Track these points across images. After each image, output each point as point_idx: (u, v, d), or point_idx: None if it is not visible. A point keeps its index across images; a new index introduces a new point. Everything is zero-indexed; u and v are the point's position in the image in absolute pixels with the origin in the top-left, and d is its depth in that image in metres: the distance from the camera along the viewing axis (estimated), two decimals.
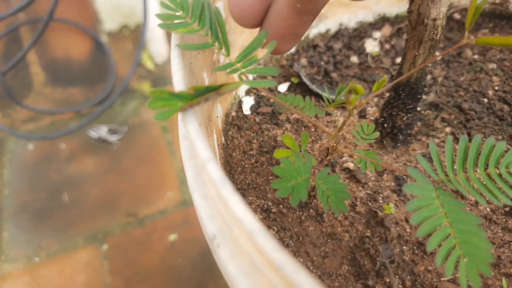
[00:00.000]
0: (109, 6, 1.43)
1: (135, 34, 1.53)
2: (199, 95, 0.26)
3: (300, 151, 0.35)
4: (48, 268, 1.01)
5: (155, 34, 1.40)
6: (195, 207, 0.29)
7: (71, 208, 1.12)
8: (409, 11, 0.37)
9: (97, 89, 1.41)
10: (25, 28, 1.38)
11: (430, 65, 0.39)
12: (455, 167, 0.29)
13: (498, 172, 0.29)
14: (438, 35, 0.36)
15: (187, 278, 0.98)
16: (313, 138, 0.45)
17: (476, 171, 0.29)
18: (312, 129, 0.46)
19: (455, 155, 0.34)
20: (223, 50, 0.30)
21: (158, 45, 1.44)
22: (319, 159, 0.37)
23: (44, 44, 1.41)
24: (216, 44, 0.30)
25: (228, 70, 0.30)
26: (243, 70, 0.29)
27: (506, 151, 0.29)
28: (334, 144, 0.33)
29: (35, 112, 1.33)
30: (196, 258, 1.02)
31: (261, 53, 0.29)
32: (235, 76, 0.46)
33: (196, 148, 0.23)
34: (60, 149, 1.25)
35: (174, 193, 1.15)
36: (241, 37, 0.45)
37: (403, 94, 0.40)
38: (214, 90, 0.27)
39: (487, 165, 0.29)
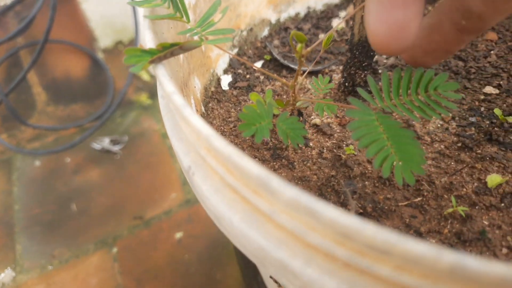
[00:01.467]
0: (103, 23, 1.50)
1: None
2: (165, 49, 0.31)
3: (265, 102, 0.40)
4: (61, 275, 1.06)
5: (147, 47, 1.47)
6: (174, 150, 0.34)
7: (80, 217, 1.17)
8: None
9: (97, 104, 1.47)
10: (24, 52, 1.46)
11: None
12: (391, 95, 0.34)
13: (427, 94, 0.33)
14: None
15: (195, 272, 1.02)
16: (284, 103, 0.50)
17: (410, 95, 0.34)
18: (284, 96, 0.51)
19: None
20: (184, 18, 0.35)
21: None
22: (282, 110, 0.42)
23: (43, 65, 1.48)
24: (177, 14, 0.35)
25: (189, 34, 0.35)
26: (203, 33, 0.35)
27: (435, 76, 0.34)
28: (293, 94, 0.38)
29: (40, 130, 1.39)
30: (202, 252, 1.06)
31: (217, 17, 0.34)
32: (212, 56, 0.52)
33: (163, 85, 0.28)
34: (65, 163, 1.31)
35: (177, 193, 1.20)
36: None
37: (357, 53, 0.45)
38: (177, 45, 0.32)
39: (418, 90, 0.34)
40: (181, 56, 0.42)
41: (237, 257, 1.01)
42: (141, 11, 1.40)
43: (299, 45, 0.36)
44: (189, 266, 1.03)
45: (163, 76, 0.28)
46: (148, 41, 0.32)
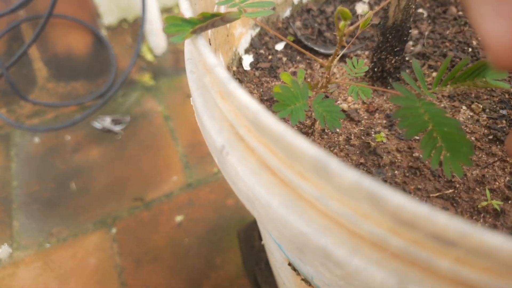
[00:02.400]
0: (108, 0, 1.47)
1: (134, 27, 1.57)
2: (206, 19, 0.30)
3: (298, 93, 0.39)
4: (59, 253, 1.04)
5: (154, 27, 1.44)
6: (202, 129, 0.33)
7: (79, 196, 1.15)
8: None
9: (99, 82, 1.44)
10: (25, 25, 1.42)
11: (413, 6, 0.42)
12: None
13: (475, 82, 0.32)
14: None
15: (195, 255, 1.02)
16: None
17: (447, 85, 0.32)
18: (308, 79, 0.50)
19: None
20: None
21: (157, 37, 1.48)
22: (315, 91, 0.41)
23: (45, 40, 1.44)
24: None
25: (229, 5, 0.33)
26: (242, 5, 0.33)
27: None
28: (328, 76, 0.36)
29: (40, 106, 1.36)
30: (203, 236, 1.05)
31: None
32: (235, 34, 0.50)
33: (205, 58, 0.26)
34: (65, 141, 1.29)
35: (179, 176, 1.18)
36: None
37: (390, 37, 0.43)
38: (219, 16, 0.30)
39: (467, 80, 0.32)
40: (209, 31, 0.41)
41: (239, 242, 1.00)
42: None
43: (342, 23, 0.34)
44: (189, 249, 1.03)
45: (204, 47, 0.26)
46: (184, 10, 0.30)
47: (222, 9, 0.43)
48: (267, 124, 0.23)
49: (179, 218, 1.09)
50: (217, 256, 1.01)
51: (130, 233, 1.07)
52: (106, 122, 1.31)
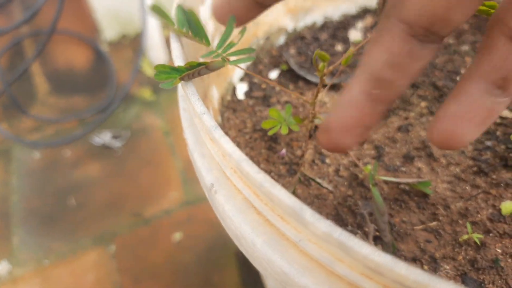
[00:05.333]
0: (109, 16, 1.49)
1: (134, 43, 1.59)
2: (193, 68, 0.31)
3: (284, 120, 0.40)
4: (58, 269, 1.05)
5: (154, 42, 1.46)
6: (194, 165, 0.34)
7: (78, 212, 1.16)
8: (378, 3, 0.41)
9: (99, 97, 1.46)
10: (28, 41, 1.44)
11: None
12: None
13: None
14: None
15: (193, 273, 1.02)
16: (301, 116, 0.50)
17: None
18: (300, 109, 0.51)
19: None
20: (204, 42, 0.35)
21: (157, 52, 1.50)
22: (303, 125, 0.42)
23: (46, 55, 1.47)
24: (197, 38, 0.35)
25: (211, 56, 0.35)
26: (224, 55, 0.34)
27: None
28: (313, 112, 0.38)
29: (40, 121, 1.38)
30: (201, 254, 1.06)
31: (236, 38, 0.34)
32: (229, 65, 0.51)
33: (193, 105, 0.28)
34: (65, 156, 1.30)
35: (178, 192, 1.19)
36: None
37: None
38: (204, 65, 0.32)
39: None
40: None
41: (237, 261, 1.01)
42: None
43: (321, 64, 0.35)
44: (188, 267, 1.03)
45: (193, 95, 0.28)
46: (175, 57, 0.31)
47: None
48: (248, 172, 0.24)
49: (177, 235, 1.10)
50: (215, 274, 1.02)
51: (129, 250, 1.08)
52: (106, 137, 1.33)
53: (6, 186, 1.23)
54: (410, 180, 0.42)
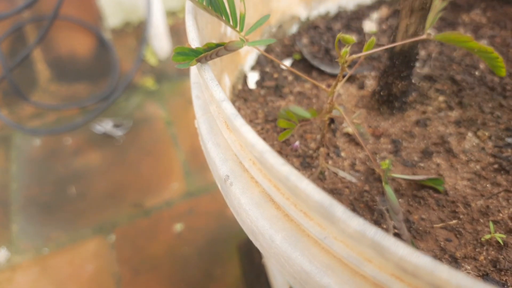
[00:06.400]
0: (112, 3, 1.46)
1: (138, 31, 1.57)
2: (211, 49, 0.29)
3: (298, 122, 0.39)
4: (57, 258, 1.04)
5: (158, 30, 1.44)
6: (207, 155, 0.32)
7: (79, 201, 1.15)
8: None
9: (101, 85, 1.44)
10: (29, 26, 1.42)
11: (421, 33, 0.41)
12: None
13: None
14: (428, 4, 0.39)
15: (194, 266, 1.01)
16: (315, 107, 0.48)
17: None
18: (314, 100, 0.49)
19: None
20: (224, 18, 0.33)
21: (161, 41, 1.48)
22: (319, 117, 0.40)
23: (49, 42, 1.44)
24: (224, 17, 0.33)
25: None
26: (249, 42, 0.33)
27: None
28: (331, 102, 0.36)
29: (41, 108, 1.36)
30: (202, 247, 1.05)
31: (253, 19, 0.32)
32: (241, 52, 0.49)
33: (212, 91, 0.26)
34: (66, 144, 1.28)
35: (179, 184, 1.18)
36: (246, 16, 0.48)
37: (397, 62, 0.43)
38: (222, 45, 0.30)
39: None
40: None
41: (239, 255, 0.99)
42: None
43: (343, 50, 0.34)
44: (188, 259, 1.02)
45: (211, 81, 0.26)
46: (192, 39, 0.30)
47: (228, 32, 0.42)
48: (272, 164, 0.22)
49: (178, 227, 1.08)
50: (216, 267, 1.00)
51: (129, 241, 1.06)
52: (107, 125, 1.31)
53: (6, 174, 1.21)
54: (421, 177, 0.40)
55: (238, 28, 0.32)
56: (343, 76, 0.39)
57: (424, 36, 0.31)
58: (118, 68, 1.42)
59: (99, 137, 1.29)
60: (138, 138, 1.29)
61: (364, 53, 0.32)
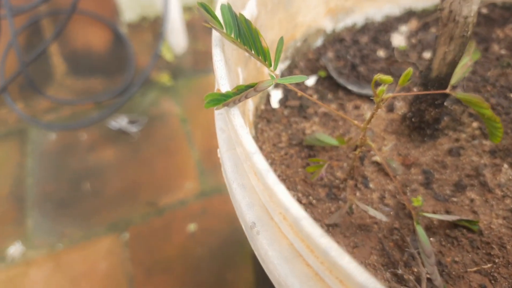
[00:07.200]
0: None
1: (154, 26, 1.55)
2: (240, 92, 0.28)
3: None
4: (71, 255, 1.04)
5: (174, 26, 1.42)
6: (232, 196, 0.31)
7: (93, 197, 1.14)
8: (440, 9, 0.37)
9: (117, 80, 1.43)
10: (46, 20, 1.41)
11: (459, 60, 0.39)
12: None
13: None
14: (469, 32, 0.37)
15: (206, 269, 1.00)
16: (341, 131, 0.46)
17: None
18: (340, 123, 0.47)
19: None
20: (258, 56, 0.31)
21: (178, 36, 1.46)
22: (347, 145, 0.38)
23: (65, 36, 1.43)
24: (260, 57, 0.31)
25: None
26: (279, 79, 0.31)
27: None
28: (363, 137, 0.34)
29: (57, 103, 1.36)
30: (215, 249, 1.04)
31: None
32: (265, 70, 0.47)
33: (242, 140, 0.24)
34: (81, 139, 1.28)
35: (193, 183, 1.17)
36: (271, 32, 0.46)
37: (432, 89, 0.41)
38: (252, 87, 0.28)
39: None
40: (240, 73, 0.38)
41: (253, 260, 0.98)
42: None
43: (380, 88, 0.31)
44: (201, 262, 1.01)
45: (241, 128, 0.24)
46: (220, 77, 0.28)
47: None
48: (309, 234, 0.20)
49: (192, 227, 1.08)
50: (229, 271, 1.00)
51: (143, 240, 1.06)
52: (123, 122, 1.30)
53: (21, 168, 1.21)
54: (454, 218, 0.38)
55: (267, 63, 0.30)
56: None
57: (447, 91, 0.29)
58: (134, 64, 1.41)
59: (114, 133, 1.29)
60: (152, 135, 1.28)
61: (400, 93, 0.30)
